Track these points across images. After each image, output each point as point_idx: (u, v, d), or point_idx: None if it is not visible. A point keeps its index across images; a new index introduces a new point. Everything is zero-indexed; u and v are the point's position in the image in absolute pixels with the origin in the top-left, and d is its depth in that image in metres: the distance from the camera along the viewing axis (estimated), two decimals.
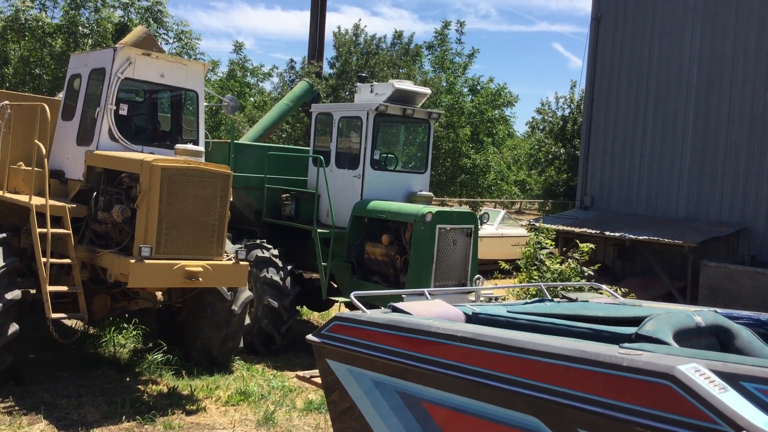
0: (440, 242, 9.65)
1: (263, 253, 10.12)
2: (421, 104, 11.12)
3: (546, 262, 10.97)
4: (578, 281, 10.46)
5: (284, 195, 11.22)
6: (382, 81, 14.25)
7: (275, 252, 10.25)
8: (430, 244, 9.56)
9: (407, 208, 10.01)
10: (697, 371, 3.09)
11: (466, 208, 23.87)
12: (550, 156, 34.65)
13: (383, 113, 10.44)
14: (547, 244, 11.68)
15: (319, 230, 10.28)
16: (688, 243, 12.33)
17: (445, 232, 9.71)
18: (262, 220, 11.24)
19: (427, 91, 11.37)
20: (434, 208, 9.86)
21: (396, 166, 11.35)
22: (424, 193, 10.88)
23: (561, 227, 14.12)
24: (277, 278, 9.97)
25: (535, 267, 11.37)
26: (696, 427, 2.96)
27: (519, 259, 11.96)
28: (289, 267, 10.24)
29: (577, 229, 13.74)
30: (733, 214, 13.50)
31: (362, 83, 11.12)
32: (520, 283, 11.54)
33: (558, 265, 11.03)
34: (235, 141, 11.18)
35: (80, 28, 21.98)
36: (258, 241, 10.38)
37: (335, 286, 10.64)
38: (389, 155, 11.40)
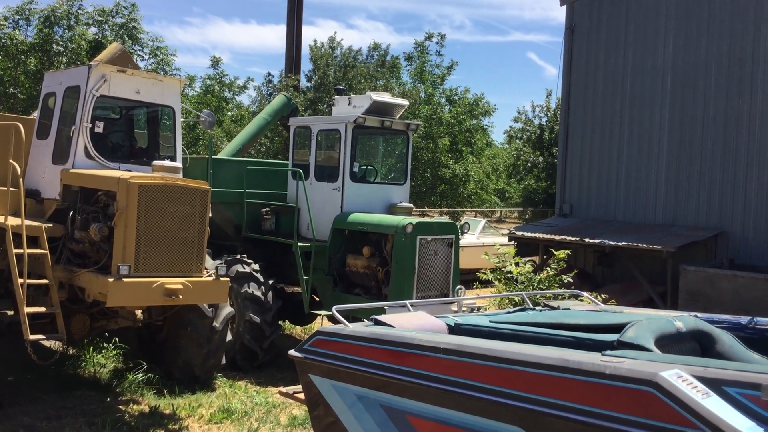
0: (421, 253, 9.64)
1: (244, 268, 10.07)
2: (399, 116, 11.15)
3: (514, 271, 10.97)
4: (557, 289, 10.48)
5: (264, 209, 11.17)
6: (360, 93, 14.26)
7: (256, 267, 10.19)
8: (412, 255, 9.55)
9: (388, 219, 10.01)
10: (680, 377, 3.11)
11: (446, 219, 23.91)
12: (528, 164, 34.87)
13: (361, 125, 10.45)
14: (511, 253, 11.69)
15: (299, 244, 10.25)
16: (666, 248, 12.42)
17: (426, 242, 9.71)
18: (242, 235, 11.19)
19: (405, 102, 11.40)
20: (415, 219, 9.86)
21: (375, 178, 11.35)
22: (404, 204, 10.88)
23: (541, 235, 14.17)
24: (258, 293, 9.91)
25: (505, 279, 11.38)
26: None
27: (489, 269, 11.95)
28: (270, 281, 10.19)
29: (557, 237, 13.80)
30: (710, 219, 13.63)
31: (340, 96, 11.12)
32: (499, 292, 11.54)
33: (527, 266, 11.03)
34: (214, 156, 11.13)
35: (54, 46, 21.83)
36: (238, 256, 10.32)
37: (317, 299, 10.61)
38: (368, 167, 11.40)
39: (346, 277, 10.37)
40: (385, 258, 9.91)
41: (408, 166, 11.34)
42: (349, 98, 10.88)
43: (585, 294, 6.40)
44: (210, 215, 8.28)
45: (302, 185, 10.49)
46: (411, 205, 11.15)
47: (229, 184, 11.04)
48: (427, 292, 9.67)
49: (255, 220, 11.22)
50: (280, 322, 10.64)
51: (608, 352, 3.56)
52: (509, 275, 11.25)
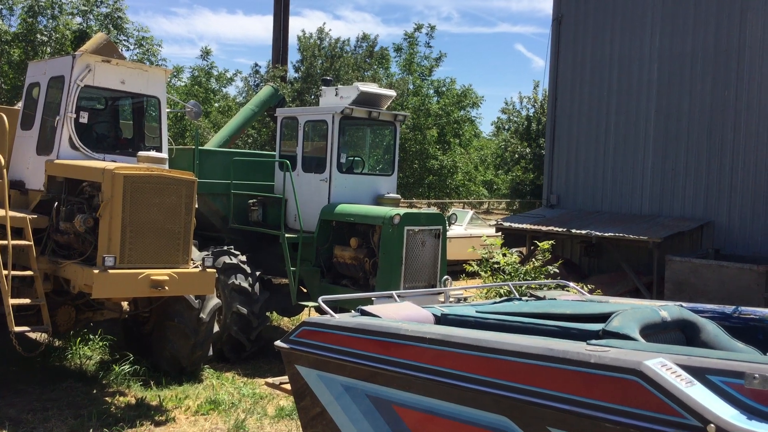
0: (409, 244, 9.63)
1: (231, 259, 10.04)
2: (386, 106, 11.12)
3: (501, 261, 11.00)
4: (543, 280, 10.52)
5: (251, 201, 11.12)
6: (348, 84, 14.22)
7: (243, 258, 10.16)
8: (399, 246, 9.55)
9: (375, 210, 10.00)
10: (664, 366, 3.12)
11: (434, 210, 23.94)
12: (516, 156, 34.92)
13: (349, 116, 10.41)
14: (497, 244, 11.73)
15: (287, 235, 10.22)
16: (652, 239, 12.48)
17: (414, 233, 9.71)
18: (229, 226, 11.13)
19: (392, 93, 11.37)
20: (402, 210, 9.86)
21: (363, 169, 11.32)
22: (391, 195, 10.87)
23: (528, 226, 14.21)
24: (245, 284, 9.89)
25: (491, 270, 11.41)
26: (664, 422, 2.98)
27: (476, 260, 11.97)
28: (257, 273, 10.16)
29: (544, 228, 13.84)
30: (696, 209, 13.70)
31: (327, 86, 11.08)
32: (485, 283, 11.57)
33: (513, 257, 11.07)
34: (200, 147, 11.07)
35: (38, 36, 21.63)
36: (225, 248, 10.28)
37: (305, 290, 10.59)
38: (356, 158, 11.37)
39: (334, 268, 10.36)
40: (372, 249, 9.90)
41: (395, 157, 11.32)
42: (336, 89, 10.84)
43: (571, 284, 6.42)
44: (196, 206, 8.25)
45: (289, 176, 10.46)
46: (398, 196, 11.15)
47: (216, 175, 10.98)
48: (415, 283, 9.67)
49: (242, 211, 11.17)
50: (268, 314, 10.62)
51: (593, 341, 3.57)
52: (496, 266, 11.28)
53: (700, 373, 3.10)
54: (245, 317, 9.83)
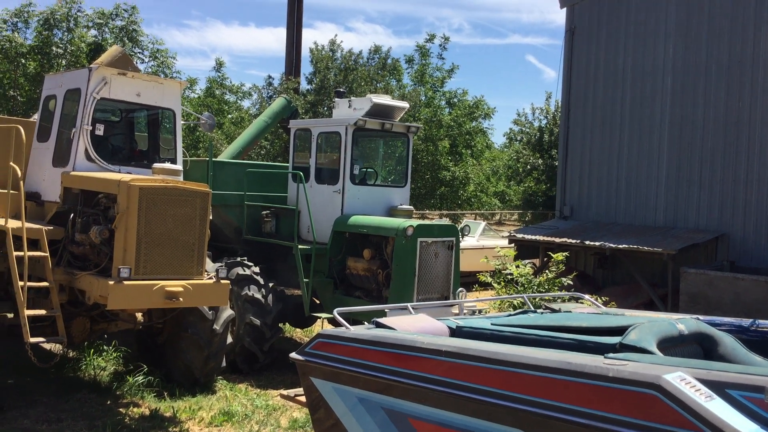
0: (422, 255, 9.62)
1: (244, 270, 10.05)
2: (399, 118, 11.14)
3: (515, 273, 10.96)
4: (556, 292, 10.47)
5: (264, 212, 11.14)
6: (361, 96, 14.26)
7: (256, 269, 10.18)
8: (412, 257, 9.53)
9: (388, 222, 10.00)
10: (683, 380, 3.10)
11: (446, 221, 23.91)
12: (528, 167, 34.83)
13: (362, 128, 10.43)
14: (510, 255, 11.70)
15: (300, 246, 10.22)
16: (667, 250, 12.41)
17: (427, 245, 9.69)
18: (242, 237, 11.16)
19: (405, 104, 11.39)
20: (415, 222, 9.85)
21: (376, 181, 11.33)
22: (404, 206, 10.86)
23: (542, 237, 14.17)
24: (258, 296, 9.90)
25: (504, 281, 11.38)
26: None
27: (488, 272, 11.93)
28: (270, 284, 10.17)
29: (557, 239, 13.80)
30: (711, 221, 13.63)
31: (340, 98, 11.11)
32: (499, 295, 11.54)
33: (527, 269, 11.03)
34: (214, 159, 11.11)
35: (54, 48, 21.83)
36: (239, 259, 10.30)
37: (317, 302, 10.58)
38: (369, 170, 11.39)
39: (347, 279, 10.35)
40: (385, 260, 9.89)
41: (408, 168, 11.32)
42: (349, 101, 10.87)
43: (586, 296, 6.38)
44: (210, 218, 8.28)
45: (303, 188, 10.47)
46: (411, 207, 11.14)
47: (230, 186, 11.03)
48: (428, 294, 9.64)
49: (255, 222, 11.20)
50: (281, 325, 10.62)
51: (611, 355, 3.55)
52: (509, 277, 11.25)
53: (719, 387, 3.08)
54: (258, 328, 9.84)
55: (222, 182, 10.88)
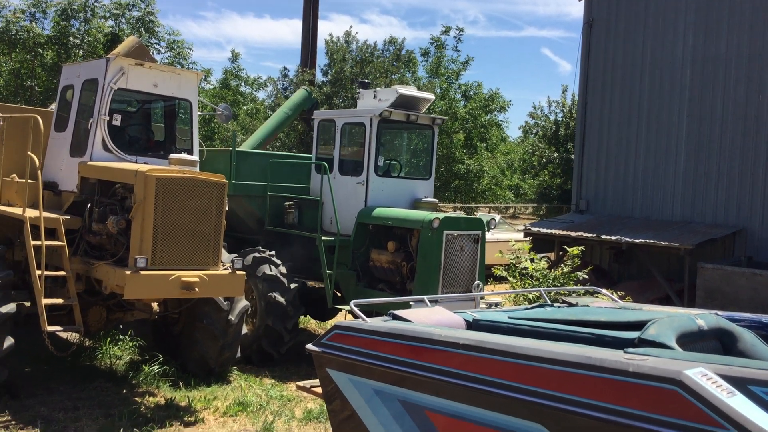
0: (448, 249, 9.47)
1: (271, 270, 9.90)
2: (424, 110, 11.00)
3: (530, 267, 10.91)
4: (572, 286, 10.42)
5: (287, 203, 10.99)
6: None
7: (283, 270, 10.00)
8: (438, 250, 9.40)
9: (413, 214, 9.88)
10: (704, 376, 3.06)
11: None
12: (543, 160, 34.72)
13: (387, 119, 10.31)
14: (525, 249, 11.66)
15: (323, 238, 10.12)
16: (684, 245, 12.32)
17: (453, 238, 9.55)
18: (264, 228, 11.04)
19: (431, 96, 11.20)
20: (441, 214, 9.73)
21: (400, 173, 11.23)
22: (429, 199, 10.73)
23: (557, 231, 14.10)
24: (282, 300, 9.74)
25: (519, 275, 11.33)
26: None
27: (503, 265, 11.89)
28: (293, 285, 9.98)
29: (573, 233, 13.73)
30: (728, 216, 13.51)
31: (365, 89, 10.98)
32: (513, 289, 11.50)
33: (542, 263, 10.99)
34: (238, 149, 11.03)
35: (71, 39, 21.92)
36: (267, 254, 10.11)
37: (339, 294, 10.46)
38: (392, 161, 11.29)
39: (370, 272, 10.25)
40: (410, 253, 9.77)
41: (433, 161, 11.16)
42: (374, 91, 10.74)
43: (603, 291, 6.34)
44: (226, 208, 8.29)
45: (326, 179, 10.35)
46: (436, 200, 10.98)
47: (253, 176, 10.92)
48: (453, 288, 9.49)
49: (278, 213, 11.05)
50: (302, 317, 10.53)
51: (630, 349, 3.52)
52: (524, 271, 11.20)
53: (741, 384, 3.04)
54: (278, 332, 9.72)
55: (245, 172, 10.79)
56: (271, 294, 9.72)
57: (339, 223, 10.17)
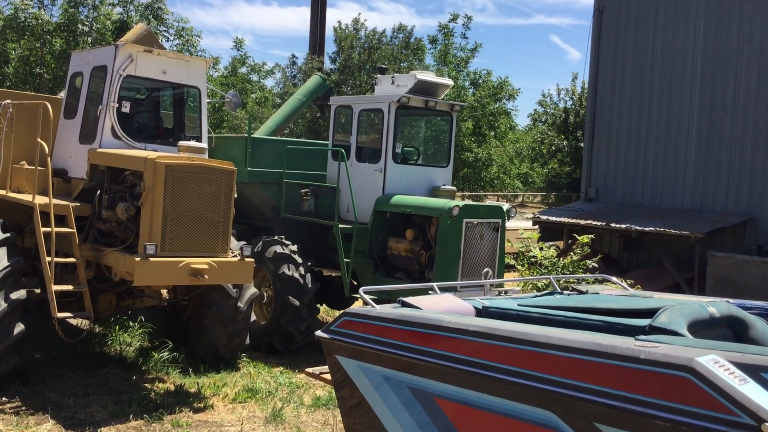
0: (467, 237, 9.38)
1: (282, 249, 9.88)
2: (443, 96, 10.86)
3: (539, 255, 10.86)
4: (581, 274, 10.39)
5: (303, 190, 10.79)
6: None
7: (294, 248, 9.96)
8: (457, 238, 9.31)
9: (432, 202, 9.78)
10: (717, 363, 3.04)
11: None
12: (552, 148, 34.55)
13: (405, 105, 10.17)
14: (534, 237, 11.62)
15: (340, 226, 10.00)
16: (694, 234, 12.26)
17: (473, 226, 9.46)
18: (280, 215, 10.92)
19: (450, 82, 11.04)
20: (461, 202, 9.62)
21: (417, 160, 11.11)
22: (447, 187, 10.59)
23: (566, 219, 14.06)
24: (296, 275, 9.72)
25: (528, 263, 11.30)
26: (717, 420, 2.91)
27: (512, 254, 11.83)
28: (308, 263, 9.97)
29: (582, 221, 13.68)
30: (739, 204, 13.43)
31: (383, 75, 10.81)
32: (523, 276, 11.47)
33: (551, 251, 10.94)
34: (253, 135, 10.93)
35: (79, 26, 21.90)
36: (277, 237, 10.12)
37: (356, 283, 10.29)
38: (410, 148, 11.17)
39: (388, 260, 10.15)
40: (428, 241, 9.66)
41: (451, 148, 11.01)
42: (392, 77, 10.60)
43: (614, 278, 6.32)
44: (235, 195, 8.29)
45: (344, 166, 10.16)
46: (455, 188, 10.81)
47: (268, 163, 10.78)
48: (473, 277, 9.37)
49: (294, 200, 10.87)
50: (318, 306, 10.49)
51: (641, 337, 3.50)
52: (533, 260, 11.16)
53: (753, 371, 3.02)
54: (296, 308, 9.66)
55: (260, 159, 10.67)
56: (287, 295, 9.70)
57: (356, 211, 10.06)
